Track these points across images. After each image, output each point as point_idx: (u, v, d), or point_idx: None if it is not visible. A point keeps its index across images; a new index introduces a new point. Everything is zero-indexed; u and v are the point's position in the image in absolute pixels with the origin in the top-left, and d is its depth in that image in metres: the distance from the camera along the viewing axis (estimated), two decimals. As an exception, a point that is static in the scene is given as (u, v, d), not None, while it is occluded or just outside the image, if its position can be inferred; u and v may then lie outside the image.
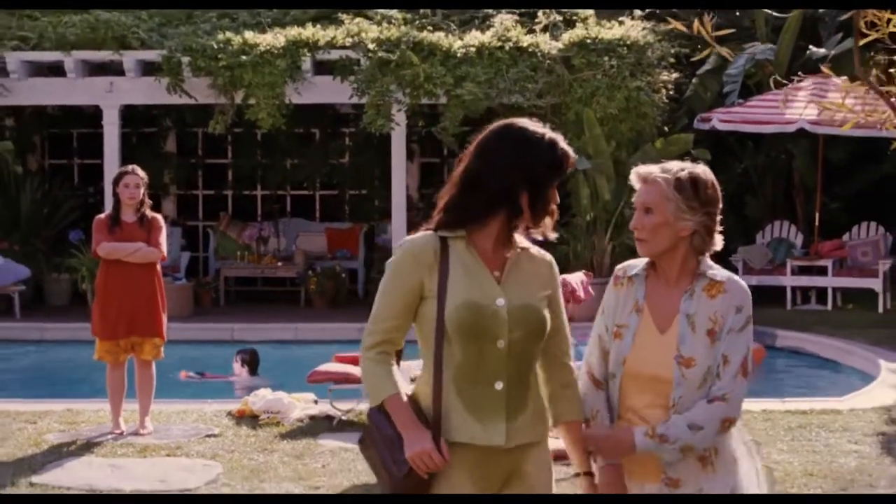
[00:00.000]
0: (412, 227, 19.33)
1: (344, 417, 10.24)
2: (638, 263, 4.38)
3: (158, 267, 10.00)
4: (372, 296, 16.99)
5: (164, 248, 9.95)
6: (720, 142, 19.06)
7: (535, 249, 4.23)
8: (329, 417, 10.27)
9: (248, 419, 10.25)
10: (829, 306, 17.89)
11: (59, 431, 9.93)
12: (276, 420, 10.17)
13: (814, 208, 18.88)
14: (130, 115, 18.84)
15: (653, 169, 4.25)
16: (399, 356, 4.17)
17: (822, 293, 18.22)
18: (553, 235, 4.17)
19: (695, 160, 3.63)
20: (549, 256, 4.27)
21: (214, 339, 16.14)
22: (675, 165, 4.27)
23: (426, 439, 3.97)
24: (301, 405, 10.52)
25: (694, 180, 4.21)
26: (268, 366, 13.62)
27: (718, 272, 4.28)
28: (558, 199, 4.16)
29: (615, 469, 4.25)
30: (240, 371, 13.46)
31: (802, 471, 8.53)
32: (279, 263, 20.05)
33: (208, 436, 9.72)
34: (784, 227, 18.98)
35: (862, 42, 4.20)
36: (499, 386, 4.03)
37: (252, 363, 13.49)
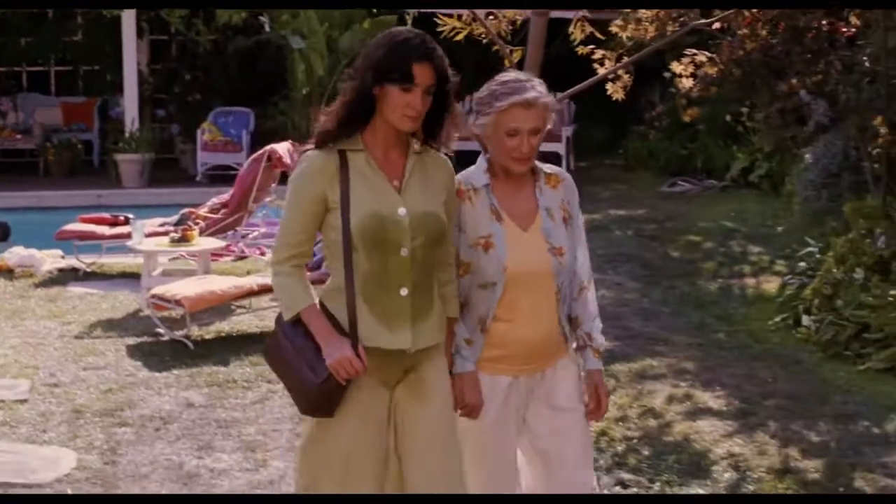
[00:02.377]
0: (143, 101, 20.33)
1: (88, 269, 11.88)
2: (478, 174, 4.39)
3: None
4: (107, 165, 18.40)
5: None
6: (432, 23, 20.61)
7: (431, 152, 4.22)
8: (75, 269, 11.85)
9: (4, 273, 11.64)
10: (524, 168, 19.86)
11: None
12: (30, 272, 11.60)
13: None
14: None
15: (536, 94, 4.23)
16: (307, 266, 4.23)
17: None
18: (451, 146, 4.22)
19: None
20: (445, 158, 4.27)
21: (-39, 207, 16.77)
22: (530, 78, 4.32)
23: (346, 347, 4.02)
24: (50, 260, 11.99)
25: None
26: (14, 231, 14.16)
27: (543, 165, 4.46)
28: (455, 107, 4.15)
29: (473, 375, 4.36)
30: (-9, 241, 14.50)
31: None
32: (18, 136, 21.02)
33: (-30, 287, 11.15)
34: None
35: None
36: (404, 292, 4.08)
37: (2, 233, 14.33)
